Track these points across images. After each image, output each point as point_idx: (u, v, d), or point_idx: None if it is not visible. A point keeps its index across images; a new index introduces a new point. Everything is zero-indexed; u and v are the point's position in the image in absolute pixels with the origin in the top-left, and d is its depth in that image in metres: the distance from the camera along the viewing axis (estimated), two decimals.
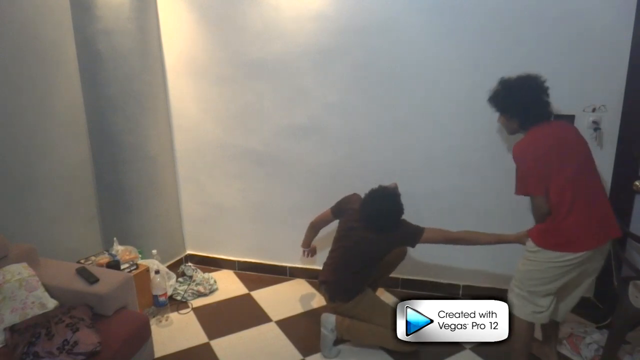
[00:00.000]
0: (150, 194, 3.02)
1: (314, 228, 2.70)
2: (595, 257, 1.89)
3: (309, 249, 2.80)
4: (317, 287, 3.06)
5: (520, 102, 1.92)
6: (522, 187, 1.90)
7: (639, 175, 2.39)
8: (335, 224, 2.59)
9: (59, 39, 2.55)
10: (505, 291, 2.78)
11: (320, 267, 2.58)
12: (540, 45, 2.45)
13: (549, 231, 1.87)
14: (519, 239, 2.06)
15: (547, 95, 1.92)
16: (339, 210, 2.52)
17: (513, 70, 2.49)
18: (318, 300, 2.91)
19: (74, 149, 2.71)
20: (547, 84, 1.92)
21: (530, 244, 1.94)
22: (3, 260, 2.03)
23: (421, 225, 2.29)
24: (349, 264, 2.33)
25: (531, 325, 1.99)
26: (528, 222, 2.49)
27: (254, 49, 2.89)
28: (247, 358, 2.36)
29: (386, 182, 2.44)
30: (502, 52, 2.51)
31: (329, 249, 2.52)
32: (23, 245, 2.18)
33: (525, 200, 2.05)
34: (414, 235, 2.24)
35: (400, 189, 2.46)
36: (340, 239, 2.42)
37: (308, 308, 2.84)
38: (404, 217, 2.33)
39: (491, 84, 2.55)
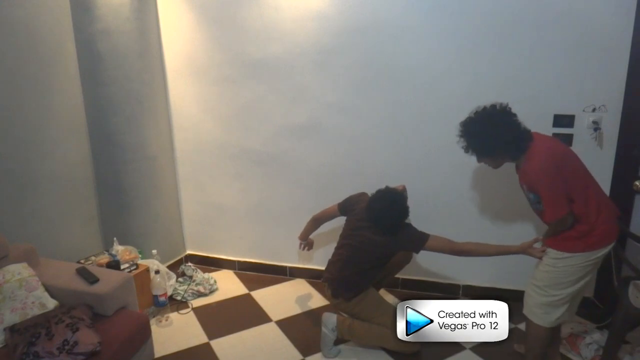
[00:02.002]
0: (150, 194, 3.02)
1: (316, 222, 2.69)
2: None
3: (306, 242, 2.78)
4: (317, 287, 3.07)
5: (505, 137, 1.81)
6: (557, 210, 1.80)
7: (639, 175, 2.39)
8: (338, 221, 2.60)
9: (59, 39, 2.55)
10: (505, 291, 2.81)
11: (320, 267, 2.59)
12: (540, 46, 2.45)
13: (584, 236, 1.83)
14: (524, 250, 2.04)
15: (515, 115, 1.86)
16: (347, 207, 2.51)
17: (513, 69, 2.52)
18: (318, 300, 2.92)
19: (74, 149, 2.71)
20: (508, 105, 1.87)
21: (556, 252, 1.89)
22: (3, 260, 2.03)
23: (426, 231, 2.28)
24: (353, 263, 2.33)
25: (549, 330, 1.98)
26: (526, 220, 2.50)
27: (254, 48, 2.89)
28: (247, 358, 2.36)
29: (386, 182, 2.44)
30: (502, 51, 2.51)
31: (333, 245, 2.51)
32: (23, 245, 2.18)
33: (522, 199, 2.04)
34: (419, 241, 2.23)
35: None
36: (346, 237, 2.42)
37: (308, 308, 2.84)
38: (410, 222, 2.34)
39: (491, 84, 2.57)
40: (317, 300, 2.93)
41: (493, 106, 1.87)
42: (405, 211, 2.27)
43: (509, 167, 1.98)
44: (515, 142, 1.83)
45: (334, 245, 2.50)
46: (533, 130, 2.33)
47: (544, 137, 1.90)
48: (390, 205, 2.23)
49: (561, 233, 1.87)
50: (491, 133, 1.83)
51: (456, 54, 2.58)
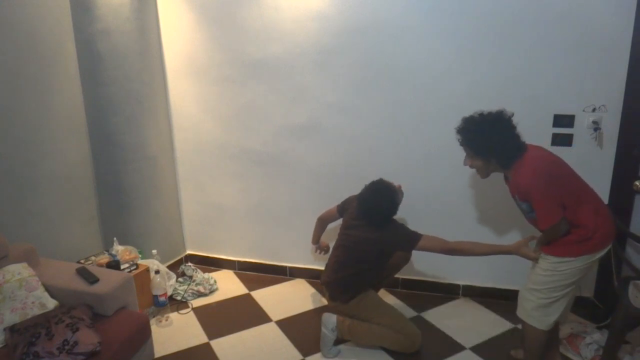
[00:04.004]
0: (150, 194, 3.02)
1: (322, 222, 2.72)
2: None
3: (319, 245, 2.80)
4: (317, 287, 3.07)
5: (504, 142, 1.84)
6: (550, 217, 1.80)
7: (639, 175, 2.40)
8: (338, 221, 2.61)
9: (59, 39, 2.55)
10: (505, 291, 2.81)
11: (320, 267, 2.59)
12: (540, 46, 2.45)
13: (585, 240, 1.83)
14: (518, 249, 2.05)
15: (516, 127, 1.90)
16: (343, 208, 2.54)
17: (513, 69, 2.52)
18: (318, 300, 2.92)
19: (74, 149, 2.71)
20: (513, 116, 1.90)
21: (557, 257, 1.89)
22: (3, 260, 2.03)
23: (420, 228, 2.29)
24: (349, 264, 2.34)
25: (547, 332, 1.98)
26: (524, 221, 2.49)
27: (254, 48, 2.89)
28: (247, 358, 2.36)
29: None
30: (502, 51, 2.51)
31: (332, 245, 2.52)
32: (23, 245, 2.18)
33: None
34: (411, 240, 2.24)
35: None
36: (341, 237, 2.43)
37: (308, 308, 2.84)
38: (405, 222, 2.34)
39: (491, 84, 2.57)
40: (317, 300, 2.93)
41: (500, 112, 1.90)
42: (392, 202, 2.29)
43: None
44: (511, 150, 1.86)
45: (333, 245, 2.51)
46: (532, 130, 2.33)
47: (535, 148, 1.92)
48: (377, 194, 2.27)
49: (558, 239, 1.87)
50: (493, 134, 1.85)
51: (456, 54, 2.58)
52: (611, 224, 1.88)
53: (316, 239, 2.79)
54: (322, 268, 2.60)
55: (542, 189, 1.78)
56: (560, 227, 1.82)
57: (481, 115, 1.92)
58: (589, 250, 1.84)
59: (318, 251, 2.82)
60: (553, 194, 1.79)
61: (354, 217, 2.37)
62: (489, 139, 1.86)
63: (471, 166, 1.99)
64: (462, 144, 1.96)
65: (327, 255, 2.87)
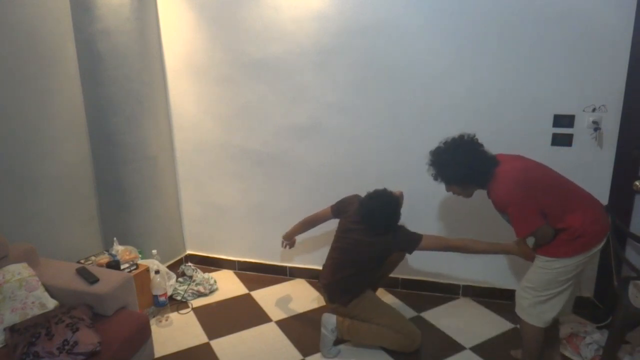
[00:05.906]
0: (150, 194, 3.02)
1: (306, 225, 2.69)
2: None
3: (290, 242, 2.78)
4: (317, 287, 3.07)
5: (472, 164, 1.89)
6: (526, 226, 1.83)
7: (639, 176, 2.40)
8: (330, 224, 2.60)
9: (59, 38, 2.55)
10: (505, 291, 2.81)
11: (320, 267, 2.58)
12: (540, 45, 2.45)
13: (577, 238, 1.83)
14: (516, 250, 2.06)
15: (482, 145, 1.96)
16: (339, 209, 2.52)
17: (513, 69, 2.52)
18: (318, 300, 2.92)
19: (74, 149, 2.71)
20: (475, 136, 1.97)
21: (548, 257, 1.90)
22: (3, 260, 2.03)
23: (420, 228, 2.30)
24: (347, 266, 2.33)
25: (544, 329, 1.99)
26: None
27: (254, 48, 2.89)
28: (247, 358, 2.36)
29: (385, 182, 2.44)
30: (501, 51, 2.51)
31: (328, 247, 2.51)
32: (23, 245, 2.18)
33: None
34: (412, 242, 2.24)
35: (400, 189, 2.47)
36: (338, 239, 2.43)
37: (308, 308, 2.84)
38: (403, 223, 2.34)
39: (491, 84, 2.57)
40: (317, 300, 2.93)
41: (461, 136, 1.97)
42: (396, 215, 2.29)
43: None
44: (481, 169, 1.89)
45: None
46: (532, 130, 2.31)
47: (508, 159, 1.94)
48: (383, 205, 2.25)
49: (549, 242, 1.88)
50: (459, 161, 1.91)
51: (456, 54, 2.58)
52: (602, 220, 1.87)
53: (290, 236, 2.75)
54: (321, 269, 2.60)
55: (516, 199, 1.81)
56: (542, 231, 1.84)
57: (445, 143, 1.99)
58: (581, 249, 1.84)
59: (285, 245, 2.79)
60: (528, 203, 1.80)
61: (352, 221, 2.36)
62: (453, 167, 1.92)
63: (454, 193, 2.05)
64: (435, 178, 2.02)
65: (289, 250, 2.87)
